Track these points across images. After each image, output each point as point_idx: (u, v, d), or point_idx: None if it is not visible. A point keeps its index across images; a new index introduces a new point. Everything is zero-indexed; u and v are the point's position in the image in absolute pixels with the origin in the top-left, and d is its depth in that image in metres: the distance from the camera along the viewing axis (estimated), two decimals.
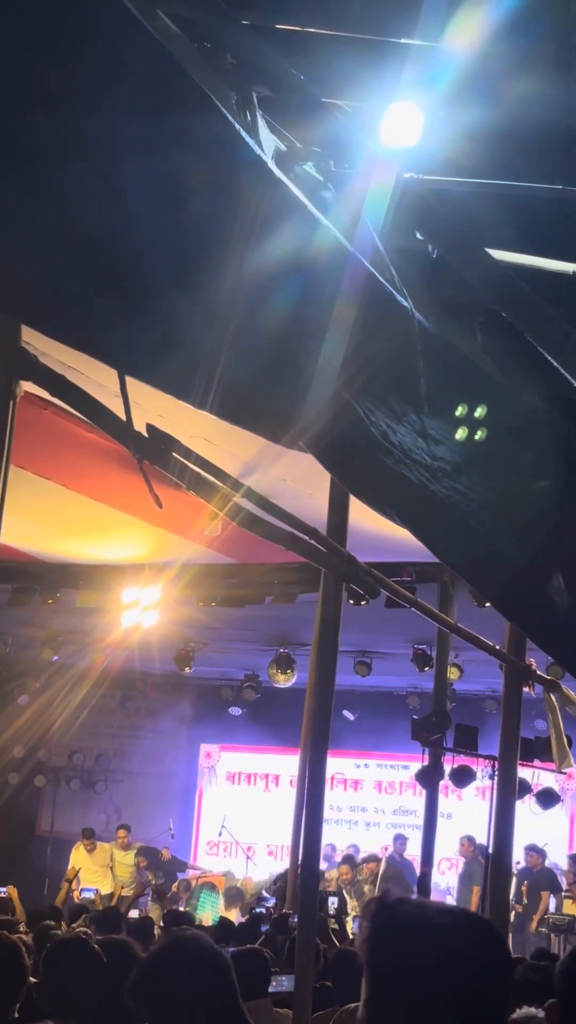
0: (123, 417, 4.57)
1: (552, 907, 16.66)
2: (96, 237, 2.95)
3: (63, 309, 3.03)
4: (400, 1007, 2.08)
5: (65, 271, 2.96)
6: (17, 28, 2.65)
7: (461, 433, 5.06)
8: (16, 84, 2.70)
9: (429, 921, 2.16)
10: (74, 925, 10.74)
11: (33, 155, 2.78)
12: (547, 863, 17.38)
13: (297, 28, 4.70)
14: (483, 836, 12.03)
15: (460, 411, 5.06)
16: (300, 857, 7.37)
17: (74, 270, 2.97)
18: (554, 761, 11.85)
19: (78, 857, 17.72)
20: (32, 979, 5.23)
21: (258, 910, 13.54)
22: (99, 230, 2.94)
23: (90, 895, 16.23)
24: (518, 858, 15.15)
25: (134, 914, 13.31)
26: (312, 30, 4.76)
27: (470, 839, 17.23)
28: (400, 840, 17.92)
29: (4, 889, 13.64)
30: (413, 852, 15.98)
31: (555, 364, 5.51)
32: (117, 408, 4.59)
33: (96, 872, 17.59)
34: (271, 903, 14.47)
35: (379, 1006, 2.11)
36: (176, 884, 17.97)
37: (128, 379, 4.40)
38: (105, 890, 17.34)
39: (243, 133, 3.40)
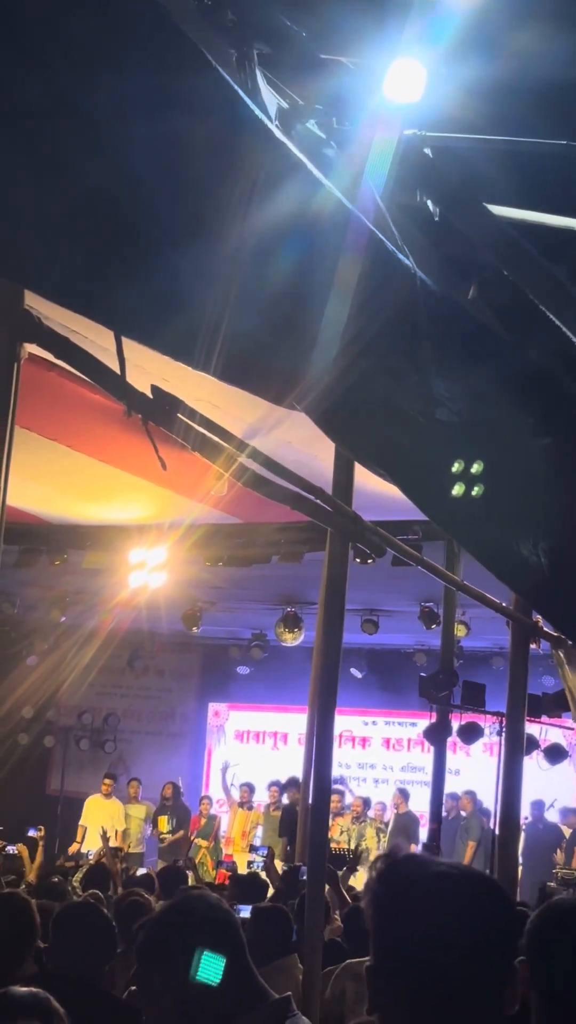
0: (127, 379, 4.58)
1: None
2: (94, 199, 2.94)
3: (63, 272, 3.03)
4: (406, 965, 2.08)
5: (64, 234, 2.96)
6: None
7: (458, 489, 5.07)
8: (11, 44, 2.69)
9: (434, 881, 2.16)
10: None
11: (29, 115, 2.78)
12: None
13: None
14: (491, 792, 12.07)
15: (457, 467, 5.05)
16: (309, 812, 7.44)
17: (73, 233, 2.97)
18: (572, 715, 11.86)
19: (94, 806, 17.79)
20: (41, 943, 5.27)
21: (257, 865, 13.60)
22: (97, 191, 2.94)
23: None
24: (526, 813, 15.22)
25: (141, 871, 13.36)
26: None
27: (470, 794, 17.32)
28: (403, 795, 17.98)
29: (14, 847, 13.73)
30: (423, 807, 16.03)
31: (557, 322, 5.50)
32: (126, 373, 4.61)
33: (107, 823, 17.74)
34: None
35: (385, 964, 2.12)
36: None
37: (132, 344, 4.41)
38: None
39: (241, 92, 3.39)
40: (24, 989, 3.30)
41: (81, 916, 5.21)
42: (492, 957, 2.09)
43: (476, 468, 5.08)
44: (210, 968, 3.12)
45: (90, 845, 16.38)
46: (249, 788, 18.61)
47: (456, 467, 5.02)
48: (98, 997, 4.71)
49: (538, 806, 17.03)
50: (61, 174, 2.85)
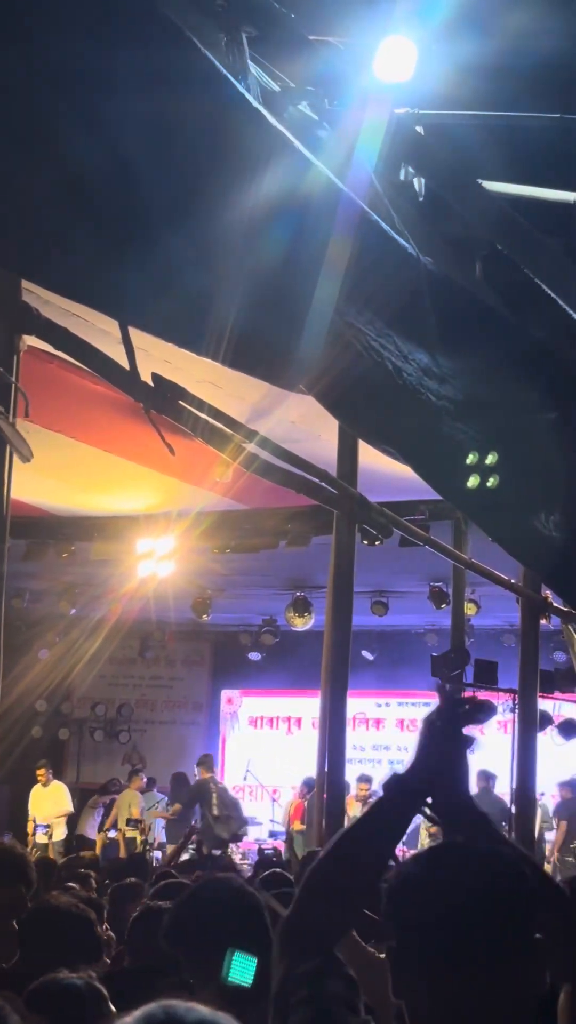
0: (127, 367, 4.59)
1: None
2: (88, 181, 2.95)
3: (57, 260, 3.04)
4: (427, 947, 2.08)
5: (59, 219, 2.96)
6: None
7: (473, 481, 5.09)
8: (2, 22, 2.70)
9: (451, 860, 2.18)
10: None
11: (14, 92, 2.78)
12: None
13: None
14: (507, 769, 12.10)
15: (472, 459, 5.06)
16: (325, 795, 7.47)
17: (65, 219, 2.97)
18: None
19: (36, 796, 17.96)
20: None
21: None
22: (87, 174, 2.94)
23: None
24: (542, 789, 15.19)
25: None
26: None
27: (483, 774, 17.25)
28: (488, 778, 17.34)
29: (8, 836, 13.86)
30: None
31: (555, 297, 5.50)
32: (123, 357, 4.60)
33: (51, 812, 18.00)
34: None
35: (406, 947, 2.12)
36: None
37: (133, 328, 4.41)
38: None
39: (227, 74, 3.39)
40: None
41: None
42: (512, 935, 2.08)
43: (491, 459, 5.10)
44: (242, 969, 3.14)
45: (43, 836, 16.83)
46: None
47: (471, 458, 5.03)
48: None
49: (484, 777, 16.72)
50: (54, 158, 2.86)
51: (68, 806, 18.00)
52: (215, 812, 16.37)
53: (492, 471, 5.15)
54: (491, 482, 5.17)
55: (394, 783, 2.45)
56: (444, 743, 2.51)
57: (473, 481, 5.09)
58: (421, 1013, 2.11)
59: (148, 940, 4.92)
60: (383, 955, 6.02)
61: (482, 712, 2.64)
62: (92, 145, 2.92)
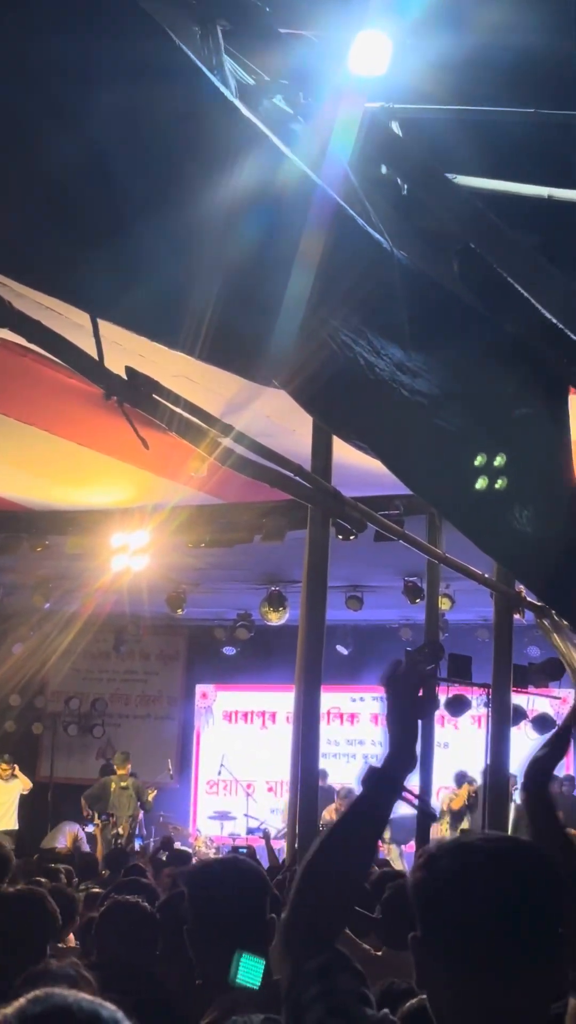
0: (101, 360, 4.57)
1: None
2: (56, 174, 2.93)
3: (27, 252, 3.03)
4: (453, 942, 2.09)
5: (26, 212, 2.94)
6: None
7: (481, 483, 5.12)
8: None
9: (479, 855, 2.17)
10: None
11: None
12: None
13: None
14: (480, 764, 12.15)
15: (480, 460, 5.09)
16: (298, 790, 7.48)
17: (36, 210, 2.96)
18: (570, 675, 11.89)
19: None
20: None
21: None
22: (59, 166, 2.93)
23: None
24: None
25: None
26: None
27: (460, 777, 17.40)
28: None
29: None
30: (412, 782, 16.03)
31: (527, 296, 5.52)
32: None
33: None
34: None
35: (432, 938, 2.13)
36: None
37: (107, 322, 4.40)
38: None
39: (201, 66, 3.39)
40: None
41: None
42: (540, 927, 2.09)
43: (499, 461, 5.13)
44: (250, 971, 3.15)
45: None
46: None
47: (479, 460, 5.07)
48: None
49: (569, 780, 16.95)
50: (25, 150, 2.84)
51: (14, 799, 18.18)
52: None
53: (501, 472, 5.20)
54: (493, 483, 5.22)
55: (371, 775, 2.51)
56: (407, 697, 2.62)
57: (482, 483, 5.14)
58: (444, 1004, 2.13)
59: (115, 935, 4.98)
60: (379, 952, 6.07)
61: (435, 655, 2.81)
62: (64, 137, 2.91)
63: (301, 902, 2.39)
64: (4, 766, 18.24)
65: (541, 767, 2.84)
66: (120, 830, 17.37)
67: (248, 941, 3.22)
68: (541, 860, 2.20)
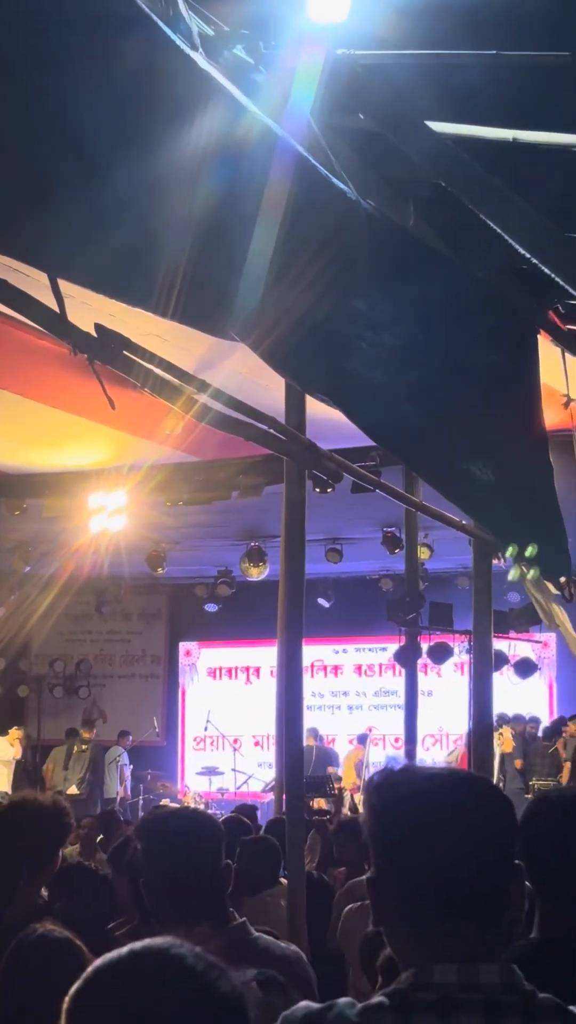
0: (71, 320, 4.53)
1: None
2: (7, 126, 2.89)
3: None
4: (406, 872, 2.08)
5: None
6: None
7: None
8: None
9: (428, 785, 2.14)
10: None
11: None
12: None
13: None
14: (464, 709, 12.22)
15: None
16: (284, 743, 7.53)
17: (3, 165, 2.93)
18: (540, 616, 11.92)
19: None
20: None
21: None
22: (9, 118, 2.89)
23: None
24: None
25: None
26: None
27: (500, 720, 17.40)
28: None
29: None
30: (398, 731, 16.16)
31: (501, 232, 5.49)
32: (70, 311, 4.54)
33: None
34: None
35: (386, 874, 2.12)
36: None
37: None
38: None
39: (157, 19, 3.35)
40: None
41: None
42: (491, 857, 2.08)
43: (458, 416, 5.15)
44: None
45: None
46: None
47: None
48: None
49: None
50: None
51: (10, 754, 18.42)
52: None
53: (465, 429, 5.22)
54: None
55: None
56: None
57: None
58: (400, 941, 2.12)
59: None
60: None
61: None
62: (17, 90, 2.88)
63: None
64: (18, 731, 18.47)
65: None
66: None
67: (204, 890, 3.25)
68: (487, 789, 2.20)
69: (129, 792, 18.79)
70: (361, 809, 2.45)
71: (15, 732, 18.72)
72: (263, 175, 3.83)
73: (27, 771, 19.03)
